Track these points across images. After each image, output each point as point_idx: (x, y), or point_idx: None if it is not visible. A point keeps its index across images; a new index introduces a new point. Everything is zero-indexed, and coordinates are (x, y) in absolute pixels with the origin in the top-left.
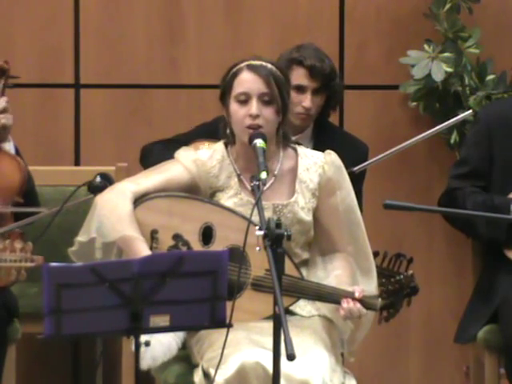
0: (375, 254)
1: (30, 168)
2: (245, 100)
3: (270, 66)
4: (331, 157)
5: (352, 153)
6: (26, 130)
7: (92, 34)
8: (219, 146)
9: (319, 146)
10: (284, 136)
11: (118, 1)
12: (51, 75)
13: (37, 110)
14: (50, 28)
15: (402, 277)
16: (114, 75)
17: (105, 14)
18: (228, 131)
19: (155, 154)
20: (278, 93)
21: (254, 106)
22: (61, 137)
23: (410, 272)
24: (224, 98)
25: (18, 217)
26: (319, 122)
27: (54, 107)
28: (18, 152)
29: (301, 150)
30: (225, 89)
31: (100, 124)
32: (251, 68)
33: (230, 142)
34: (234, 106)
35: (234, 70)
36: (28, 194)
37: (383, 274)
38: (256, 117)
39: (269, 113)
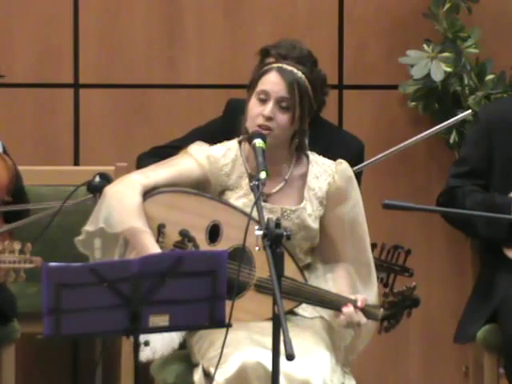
0: (373, 246)
1: (29, 168)
2: (264, 99)
3: (300, 74)
4: (342, 166)
5: (347, 149)
6: (25, 129)
7: (91, 33)
8: (233, 144)
9: (315, 143)
10: (299, 145)
11: (118, 1)
12: (50, 75)
13: (36, 109)
14: (50, 28)
15: (404, 288)
16: (113, 75)
17: (104, 14)
18: (246, 126)
19: (142, 162)
20: (298, 101)
21: (268, 108)
22: (60, 136)
23: (413, 284)
24: (249, 91)
25: (6, 215)
26: (314, 120)
27: (53, 107)
28: (5, 151)
29: (313, 156)
30: (251, 83)
31: (99, 124)
32: (280, 70)
33: (244, 138)
34: (252, 102)
35: (266, 68)
36: (16, 192)
37: (381, 266)
38: (268, 119)
39: (283, 119)
